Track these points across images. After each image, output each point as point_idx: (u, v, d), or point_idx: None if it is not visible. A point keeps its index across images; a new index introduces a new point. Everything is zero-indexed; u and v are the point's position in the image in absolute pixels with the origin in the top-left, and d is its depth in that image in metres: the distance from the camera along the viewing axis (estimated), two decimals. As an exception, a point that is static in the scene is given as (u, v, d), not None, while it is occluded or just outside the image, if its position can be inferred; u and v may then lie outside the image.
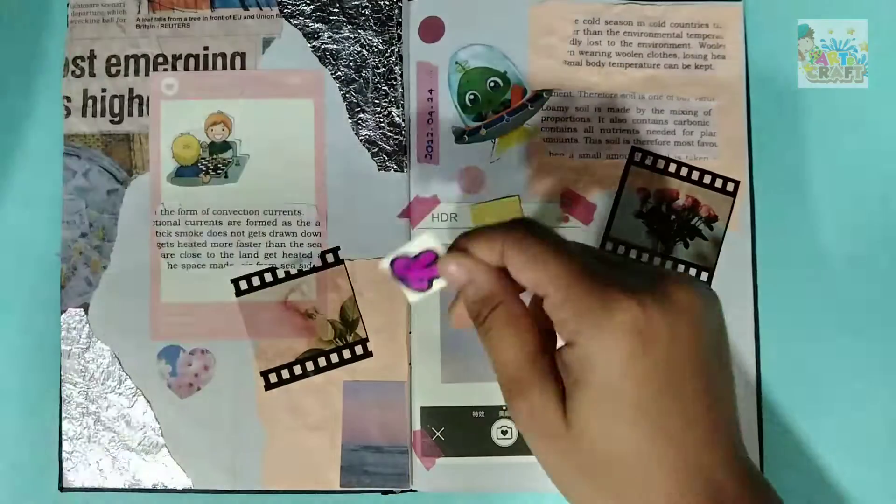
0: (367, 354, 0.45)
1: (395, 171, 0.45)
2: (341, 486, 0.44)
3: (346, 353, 0.45)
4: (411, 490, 0.44)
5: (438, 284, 0.32)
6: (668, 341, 0.28)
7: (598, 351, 0.28)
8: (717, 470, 0.29)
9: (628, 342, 0.27)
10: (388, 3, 0.46)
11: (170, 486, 0.44)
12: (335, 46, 0.46)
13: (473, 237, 0.30)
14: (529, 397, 0.29)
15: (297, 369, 0.44)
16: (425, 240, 0.32)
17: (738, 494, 0.29)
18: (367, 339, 0.45)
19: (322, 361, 0.44)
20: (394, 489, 0.44)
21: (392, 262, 0.32)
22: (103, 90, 0.46)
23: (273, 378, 0.44)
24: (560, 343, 0.30)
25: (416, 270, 0.32)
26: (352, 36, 0.46)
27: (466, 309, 0.31)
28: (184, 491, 0.44)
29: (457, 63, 0.46)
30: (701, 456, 0.29)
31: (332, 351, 0.44)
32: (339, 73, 0.46)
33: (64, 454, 0.44)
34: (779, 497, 0.31)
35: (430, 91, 0.46)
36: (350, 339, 0.45)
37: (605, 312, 0.27)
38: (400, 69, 0.46)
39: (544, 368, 0.29)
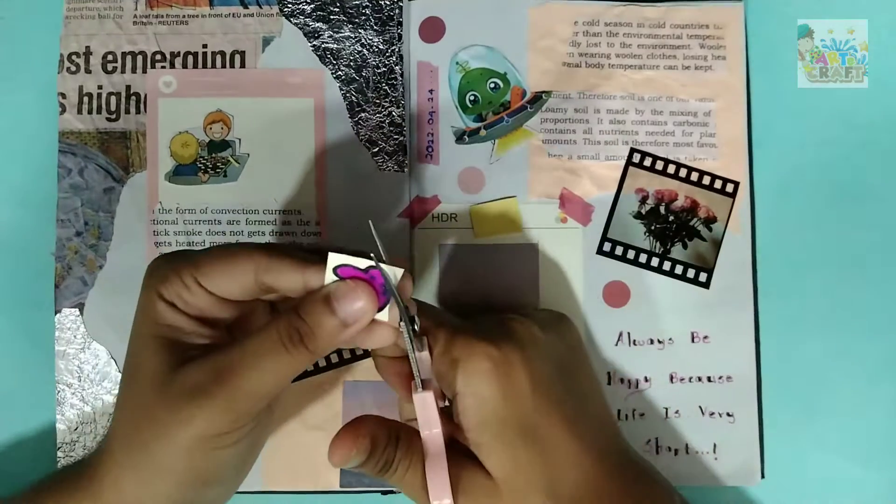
0: (367, 354, 0.44)
1: (396, 170, 0.45)
2: (341, 486, 0.44)
3: (346, 353, 0.44)
4: (410, 491, 0.44)
5: (382, 316, 0.33)
6: (521, 365, 0.34)
7: (472, 395, 0.34)
8: (593, 466, 0.35)
9: (491, 378, 0.34)
10: (388, 2, 0.46)
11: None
12: (336, 46, 0.46)
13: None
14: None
15: (297, 369, 0.44)
16: (373, 259, 0.33)
17: (616, 488, 0.35)
18: (366, 340, 0.44)
19: (322, 361, 0.44)
20: (393, 489, 0.44)
21: (335, 269, 0.33)
22: (99, 87, 0.45)
23: (272, 378, 0.44)
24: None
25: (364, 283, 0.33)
26: (352, 35, 0.46)
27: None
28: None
29: (457, 63, 0.46)
30: (579, 456, 0.35)
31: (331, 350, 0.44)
32: (340, 72, 0.45)
33: (59, 457, 0.44)
34: (668, 484, 0.37)
35: (431, 91, 0.46)
36: (349, 339, 0.44)
37: (469, 359, 0.34)
38: (400, 69, 0.46)
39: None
